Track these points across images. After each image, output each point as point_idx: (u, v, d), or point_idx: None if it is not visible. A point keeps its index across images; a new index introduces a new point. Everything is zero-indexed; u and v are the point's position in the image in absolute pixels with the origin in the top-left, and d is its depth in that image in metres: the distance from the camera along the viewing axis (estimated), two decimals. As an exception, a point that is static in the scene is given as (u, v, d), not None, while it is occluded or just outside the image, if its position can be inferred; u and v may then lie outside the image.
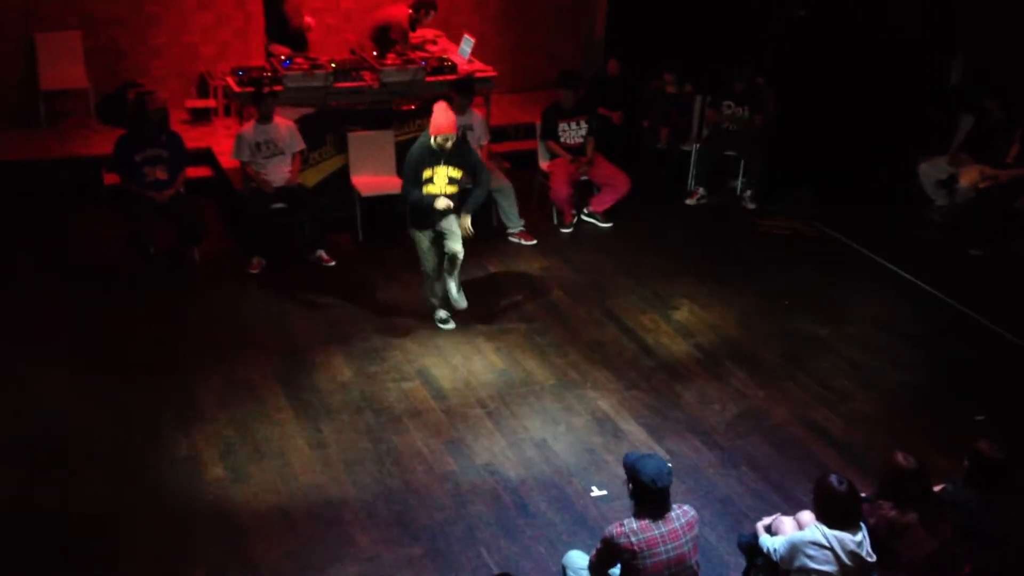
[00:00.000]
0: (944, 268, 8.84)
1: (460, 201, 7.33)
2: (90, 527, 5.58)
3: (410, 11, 10.18)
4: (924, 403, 7.04)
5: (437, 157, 7.16)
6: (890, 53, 10.46)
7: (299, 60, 9.38)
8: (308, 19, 10.51)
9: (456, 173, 7.22)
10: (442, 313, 7.65)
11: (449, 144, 7.09)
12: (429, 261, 7.48)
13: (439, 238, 7.36)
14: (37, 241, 8.69)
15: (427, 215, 7.27)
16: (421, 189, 7.19)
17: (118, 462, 6.11)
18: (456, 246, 7.33)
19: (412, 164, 7.20)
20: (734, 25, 11.00)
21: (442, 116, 7.08)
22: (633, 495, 4.58)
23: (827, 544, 4.64)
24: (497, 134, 10.11)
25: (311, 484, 6.00)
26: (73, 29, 10.19)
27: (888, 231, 9.48)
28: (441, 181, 7.20)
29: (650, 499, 4.52)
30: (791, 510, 5.32)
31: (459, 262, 7.41)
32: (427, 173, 7.18)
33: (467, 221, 7.31)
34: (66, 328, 7.42)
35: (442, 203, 7.18)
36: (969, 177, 9.38)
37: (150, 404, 6.64)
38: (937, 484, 5.12)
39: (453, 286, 7.51)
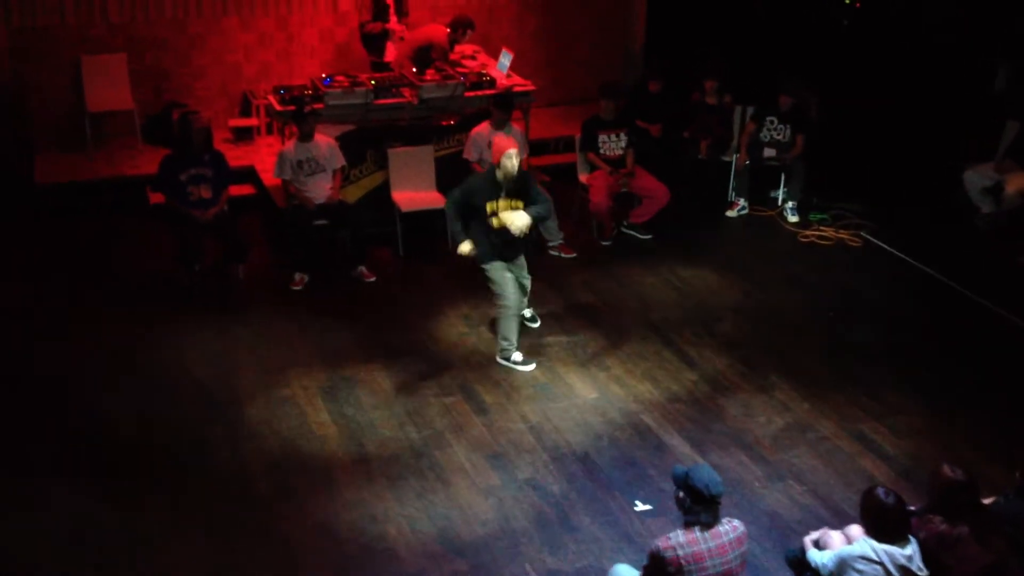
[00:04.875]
0: (991, 276, 8.70)
1: (524, 238, 7.20)
2: (137, 541, 5.63)
3: (448, 31, 10.23)
4: (974, 414, 6.93)
5: (498, 189, 7.01)
6: (934, 60, 10.36)
7: (339, 78, 9.46)
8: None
9: (518, 204, 7.07)
10: (518, 355, 7.36)
11: (515, 167, 6.92)
12: (510, 289, 7.18)
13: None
14: (84, 259, 8.83)
15: (504, 247, 7.14)
16: (471, 215, 7.09)
17: (164, 477, 6.17)
18: (527, 282, 7.44)
19: (467, 186, 7.10)
20: (776, 36, 10.95)
21: (502, 138, 7.07)
22: (684, 505, 4.54)
23: (877, 558, 4.58)
24: (537, 147, 10.14)
25: (355, 499, 6.02)
26: (118, 51, 10.36)
27: (934, 239, 9.36)
28: (506, 214, 7.01)
29: (703, 507, 4.48)
30: (839, 524, 5.28)
31: (526, 291, 7.54)
32: (490, 207, 7.01)
33: (523, 220, 6.96)
34: (112, 344, 7.51)
35: (465, 247, 7.11)
36: (1016, 184, 9.24)
37: (196, 420, 6.70)
38: (988, 497, 5.04)
39: (526, 312, 7.72)
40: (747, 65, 10.64)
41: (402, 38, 10.45)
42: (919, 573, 4.60)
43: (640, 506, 5.99)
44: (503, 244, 7.15)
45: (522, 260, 7.40)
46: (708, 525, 4.50)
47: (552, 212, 8.96)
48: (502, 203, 7.06)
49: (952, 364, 7.53)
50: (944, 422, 6.85)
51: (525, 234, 7.10)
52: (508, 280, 7.22)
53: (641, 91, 10.69)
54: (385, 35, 10.50)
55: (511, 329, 7.31)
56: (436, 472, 6.27)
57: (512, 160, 6.93)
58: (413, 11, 10.75)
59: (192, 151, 8.31)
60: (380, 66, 10.47)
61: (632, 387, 7.18)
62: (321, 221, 8.56)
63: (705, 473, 4.52)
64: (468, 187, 7.15)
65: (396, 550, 5.63)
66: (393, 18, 10.52)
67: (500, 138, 7.21)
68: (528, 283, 7.50)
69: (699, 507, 4.50)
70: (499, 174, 6.98)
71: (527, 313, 7.82)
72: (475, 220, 7.11)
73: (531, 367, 7.33)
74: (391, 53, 10.51)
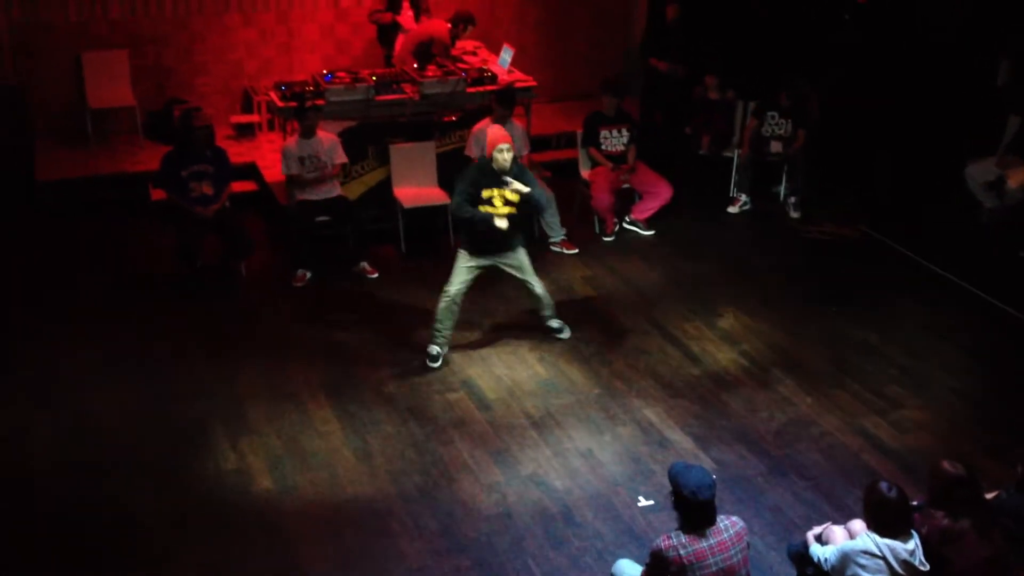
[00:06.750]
0: (993, 271, 8.70)
1: (517, 227, 7.18)
2: (141, 539, 5.64)
3: (449, 26, 10.22)
4: (975, 409, 6.93)
5: (495, 177, 7.04)
6: (936, 54, 10.34)
7: (340, 74, 9.45)
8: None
9: (514, 196, 7.06)
10: (434, 349, 7.29)
11: (508, 160, 6.94)
12: (457, 284, 7.18)
13: (491, 272, 7.27)
14: (86, 256, 8.83)
15: (485, 240, 7.12)
16: (477, 206, 7.05)
17: (167, 474, 6.18)
18: (536, 288, 7.38)
19: (468, 179, 7.06)
20: (778, 30, 10.94)
21: (496, 131, 7.05)
22: (675, 507, 4.55)
23: (879, 553, 4.59)
24: (538, 143, 10.13)
25: (358, 495, 6.03)
26: (119, 48, 10.36)
27: (936, 234, 9.35)
28: (499, 203, 7.05)
29: (692, 512, 4.48)
30: (842, 519, 5.28)
31: (545, 298, 7.46)
32: (486, 193, 7.02)
33: (503, 223, 7.04)
34: (115, 341, 7.51)
35: (501, 222, 7.01)
36: (1018, 178, 9.23)
37: (198, 416, 6.71)
38: (990, 491, 5.05)
39: (555, 323, 7.60)
40: (749, 60, 10.62)
41: (406, 31, 10.45)
42: (921, 568, 4.60)
43: (643, 501, 6.00)
44: (483, 237, 7.12)
45: (521, 260, 7.31)
46: (704, 526, 4.49)
47: (554, 208, 9.04)
48: (496, 191, 7.04)
49: (954, 358, 7.53)
50: (946, 417, 6.85)
51: (506, 230, 7.07)
52: (463, 271, 7.19)
53: (658, 25, 10.64)
54: (396, 27, 10.47)
55: (440, 319, 7.26)
56: (439, 468, 6.28)
57: (503, 154, 6.94)
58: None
59: (194, 148, 8.30)
60: (391, 61, 10.46)
61: (635, 382, 7.19)
62: (323, 218, 8.56)
63: (692, 480, 4.45)
64: (467, 178, 7.12)
65: (400, 546, 5.63)
66: (409, 13, 10.46)
67: (493, 130, 7.17)
68: (539, 289, 7.43)
69: (688, 512, 4.47)
70: (494, 162, 7.00)
71: (554, 324, 7.64)
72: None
73: (437, 364, 7.27)
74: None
